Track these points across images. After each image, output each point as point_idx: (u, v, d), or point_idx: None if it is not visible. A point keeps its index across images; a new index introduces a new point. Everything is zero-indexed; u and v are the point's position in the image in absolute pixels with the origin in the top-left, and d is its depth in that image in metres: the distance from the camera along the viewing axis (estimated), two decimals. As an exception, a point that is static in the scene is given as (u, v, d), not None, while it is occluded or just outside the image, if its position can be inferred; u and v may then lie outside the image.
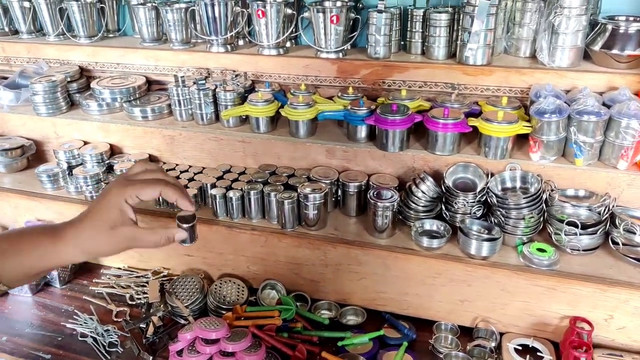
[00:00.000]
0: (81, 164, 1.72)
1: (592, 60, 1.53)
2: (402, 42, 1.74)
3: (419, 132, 1.52)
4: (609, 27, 1.46)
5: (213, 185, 1.53)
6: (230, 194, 1.48)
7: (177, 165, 1.71)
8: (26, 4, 2.03)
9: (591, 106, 1.33)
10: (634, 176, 1.33)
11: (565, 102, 1.38)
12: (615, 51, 1.45)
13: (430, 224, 1.41)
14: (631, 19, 1.50)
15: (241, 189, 1.49)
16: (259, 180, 1.51)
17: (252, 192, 1.46)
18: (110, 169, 1.71)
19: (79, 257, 0.79)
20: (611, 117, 1.33)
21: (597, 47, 1.48)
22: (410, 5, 1.69)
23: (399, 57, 1.68)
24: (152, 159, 1.74)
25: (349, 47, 1.71)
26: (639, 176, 1.33)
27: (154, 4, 1.86)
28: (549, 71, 1.49)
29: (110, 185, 0.82)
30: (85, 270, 1.65)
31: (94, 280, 1.60)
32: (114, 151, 1.77)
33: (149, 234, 0.83)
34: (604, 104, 1.39)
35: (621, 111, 1.32)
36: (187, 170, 1.67)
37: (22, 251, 0.76)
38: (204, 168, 1.67)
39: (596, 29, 1.49)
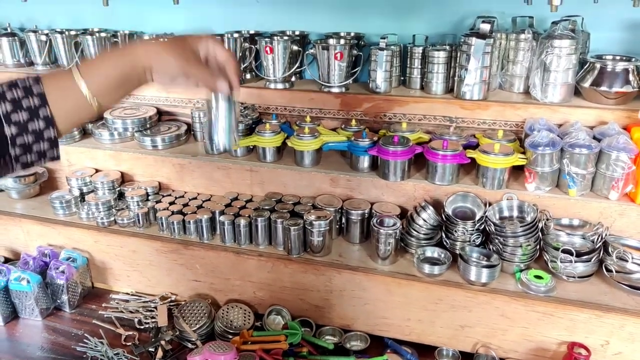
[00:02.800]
0: (93, 191, 1.78)
1: (583, 96, 1.62)
2: (402, 78, 1.83)
3: (419, 163, 1.59)
4: (598, 65, 1.55)
5: (222, 213, 1.59)
6: (238, 221, 1.54)
7: (185, 192, 1.77)
8: (43, 38, 2.12)
9: (582, 140, 1.41)
10: (625, 206, 1.40)
11: (558, 136, 1.46)
12: (603, 88, 1.54)
13: (431, 251, 1.46)
14: (617, 58, 1.59)
15: (249, 216, 1.55)
16: (266, 207, 1.57)
17: (259, 219, 1.52)
18: (121, 196, 1.77)
19: (145, 53, 0.85)
20: (602, 150, 1.40)
21: (586, 84, 1.57)
22: (409, 43, 1.79)
23: (399, 92, 1.76)
24: (161, 186, 1.81)
25: (351, 82, 1.79)
26: (630, 206, 1.40)
27: (166, 40, 1.95)
28: (541, 106, 1.58)
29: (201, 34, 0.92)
30: (94, 295, 1.69)
31: (102, 305, 1.63)
32: (124, 179, 1.83)
33: (208, 71, 0.89)
34: (594, 138, 1.47)
35: (611, 144, 1.39)
36: (195, 198, 1.72)
37: (101, 66, 0.84)
38: (212, 196, 1.73)
39: (585, 67, 1.59)
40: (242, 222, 1.53)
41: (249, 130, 1.71)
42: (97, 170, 1.85)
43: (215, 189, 1.74)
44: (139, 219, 1.66)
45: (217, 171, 1.71)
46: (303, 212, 1.52)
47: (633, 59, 1.56)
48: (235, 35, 1.84)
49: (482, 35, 1.54)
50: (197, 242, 1.59)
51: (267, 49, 1.76)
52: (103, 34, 2.06)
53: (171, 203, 1.69)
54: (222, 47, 0.91)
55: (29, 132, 0.76)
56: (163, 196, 1.74)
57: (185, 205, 1.68)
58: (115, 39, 2.08)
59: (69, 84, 0.80)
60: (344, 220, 1.58)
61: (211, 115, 0.97)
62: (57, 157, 0.83)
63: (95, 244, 1.67)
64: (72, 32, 2.10)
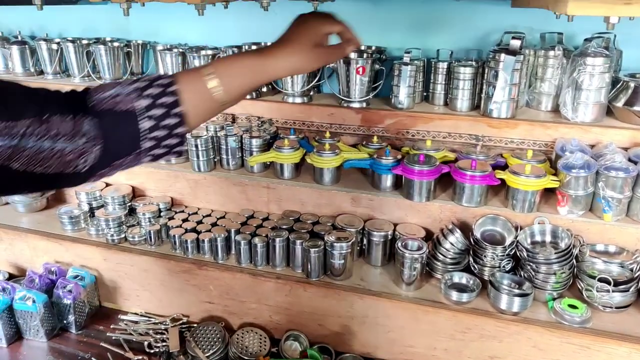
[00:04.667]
0: (103, 206, 1.72)
1: (615, 115, 1.55)
2: (425, 93, 1.76)
3: (445, 183, 1.52)
4: (632, 84, 1.49)
5: (237, 231, 1.52)
6: (255, 240, 1.47)
7: (199, 209, 1.70)
8: (54, 47, 2.07)
9: (619, 162, 1.35)
10: (664, 233, 1.33)
11: (591, 157, 1.40)
12: (637, 108, 1.47)
13: (459, 277, 1.39)
14: (652, 77, 1.53)
15: (266, 236, 1.48)
16: (284, 227, 1.51)
17: (277, 240, 1.45)
18: (132, 211, 1.71)
19: (284, 71, 0.91)
20: (639, 173, 1.34)
21: (619, 104, 1.51)
22: (433, 58, 1.73)
23: (422, 108, 1.70)
24: (174, 202, 1.74)
25: (372, 97, 1.74)
26: (669, 233, 1.33)
27: (180, 50, 1.90)
28: (572, 126, 1.51)
29: (308, 17, 0.96)
30: (101, 315, 1.62)
31: (110, 326, 1.56)
32: (136, 193, 1.77)
33: (337, 49, 0.98)
34: (629, 160, 1.40)
35: (649, 168, 1.33)
36: (209, 215, 1.66)
37: (238, 74, 0.86)
38: (226, 213, 1.67)
39: (618, 86, 1.52)
40: (259, 242, 1.47)
41: (267, 146, 1.65)
42: (107, 185, 1.79)
43: (231, 206, 1.68)
44: (150, 237, 1.59)
45: (233, 187, 1.65)
46: (323, 233, 1.45)
47: (668, 78, 1.50)
48: (254, 47, 1.79)
49: (511, 52, 1.48)
50: (212, 262, 1.52)
51: (286, 61, 1.70)
52: (116, 44, 2.01)
53: (184, 220, 1.63)
54: (335, 23, 0.97)
55: (161, 127, 0.77)
56: (176, 212, 1.68)
57: (199, 222, 1.61)
58: (128, 49, 2.03)
59: (204, 88, 0.82)
60: (365, 241, 1.51)
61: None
62: (182, 153, 0.83)
63: (105, 262, 1.60)
64: (84, 41, 2.05)
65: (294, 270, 1.47)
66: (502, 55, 1.49)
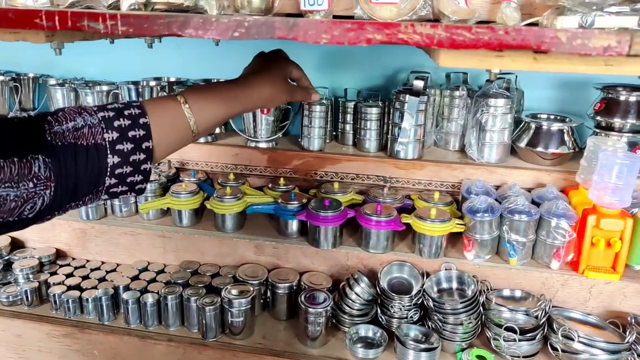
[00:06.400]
0: (-27, 261, 1.51)
1: (519, 155, 1.56)
2: (334, 133, 1.70)
3: (353, 226, 1.45)
4: (533, 125, 1.50)
5: (126, 288, 1.37)
6: (145, 298, 1.32)
7: (87, 261, 1.53)
8: None
9: (522, 205, 1.33)
10: (567, 276, 1.32)
11: (496, 199, 1.38)
12: (539, 149, 1.48)
13: (366, 330, 1.31)
14: (552, 117, 1.55)
15: (157, 293, 1.34)
16: (179, 281, 1.37)
17: (169, 297, 1.31)
18: (8, 266, 1.51)
19: (258, 100, 0.88)
20: (541, 216, 1.32)
21: (522, 144, 1.51)
22: (341, 98, 1.68)
23: (331, 148, 1.63)
24: (60, 254, 1.56)
25: (280, 136, 1.65)
26: (572, 276, 1.31)
27: (72, 86, 1.74)
28: (478, 167, 1.50)
29: (274, 53, 0.99)
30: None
31: (-26, 405, 1.34)
32: (15, 245, 1.57)
33: (303, 90, 0.99)
34: (533, 201, 1.40)
35: (550, 210, 1.31)
36: (99, 268, 1.49)
37: (212, 104, 0.82)
38: (118, 265, 1.51)
39: (521, 127, 1.53)
40: (150, 300, 1.32)
41: (163, 190, 1.52)
42: (-19, 236, 1.58)
43: (123, 257, 1.52)
44: (27, 296, 1.40)
45: (124, 237, 1.49)
46: (221, 287, 1.33)
47: (567, 119, 1.52)
48: (152, 83, 1.67)
49: (415, 92, 1.45)
50: (96, 324, 1.35)
51: (187, 99, 1.59)
52: (0, 77, 1.82)
53: (68, 275, 1.45)
54: (298, 68, 0.99)
55: (129, 163, 0.71)
56: (60, 266, 1.50)
57: (85, 277, 1.44)
58: (15, 83, 1.85)
59: (176, 119, 0.77)
60: (269, 293, 1.40)
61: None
62: (144, 190, 0.77)
63: (-31, 329, 1.39)
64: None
65: (189, 329, 1.34)
66: (407, 96, 1.46)
